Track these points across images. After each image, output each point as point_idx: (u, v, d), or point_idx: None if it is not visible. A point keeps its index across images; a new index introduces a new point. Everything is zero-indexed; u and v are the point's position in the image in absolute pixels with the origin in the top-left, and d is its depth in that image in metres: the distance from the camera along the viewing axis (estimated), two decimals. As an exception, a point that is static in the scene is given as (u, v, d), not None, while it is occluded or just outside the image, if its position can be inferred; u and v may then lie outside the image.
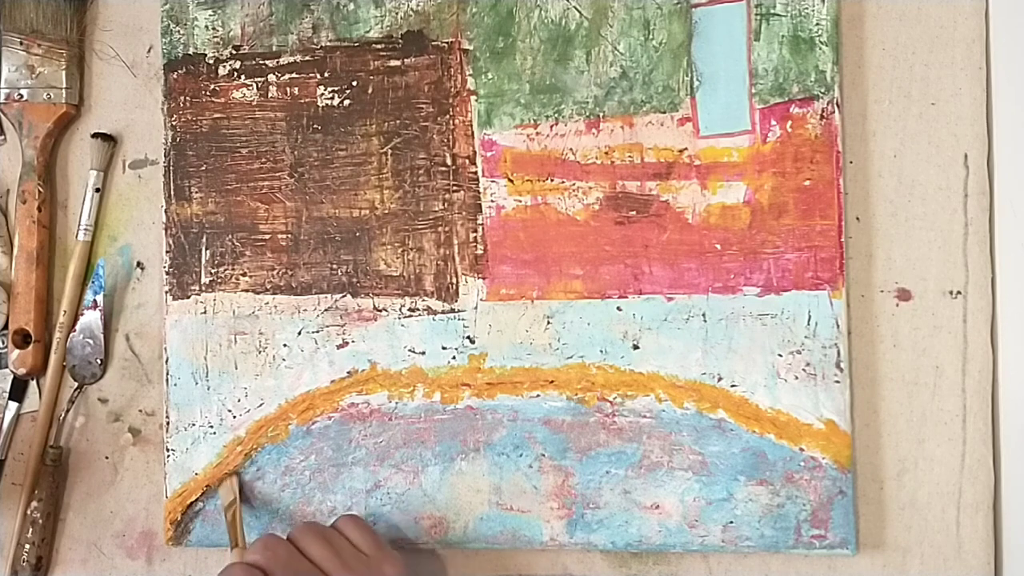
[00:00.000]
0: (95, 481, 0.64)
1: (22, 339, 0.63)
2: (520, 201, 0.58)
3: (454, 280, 0.58)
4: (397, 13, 0.59)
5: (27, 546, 0.62)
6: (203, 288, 0.61)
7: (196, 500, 0.60)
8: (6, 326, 0.64)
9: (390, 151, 0.59)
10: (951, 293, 0.55)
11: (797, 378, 0.55)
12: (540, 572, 0.59)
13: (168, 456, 0.61)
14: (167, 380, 0.61)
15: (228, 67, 0.61)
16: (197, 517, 0.60)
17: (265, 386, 0.60)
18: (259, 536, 0.54)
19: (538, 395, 0.57)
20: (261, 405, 0.60)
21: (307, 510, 0.59)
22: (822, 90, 0.55)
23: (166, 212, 0.61)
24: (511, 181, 0.58)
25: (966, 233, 0.55)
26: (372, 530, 0.56)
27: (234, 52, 0.61)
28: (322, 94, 0.60)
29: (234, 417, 0.60)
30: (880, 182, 0.56)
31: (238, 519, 0.57)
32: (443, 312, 0.58)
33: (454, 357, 0.58)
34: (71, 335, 0.63)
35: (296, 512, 0.59)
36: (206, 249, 0.61)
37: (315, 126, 0.60)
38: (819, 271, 0.55)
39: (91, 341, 0.63)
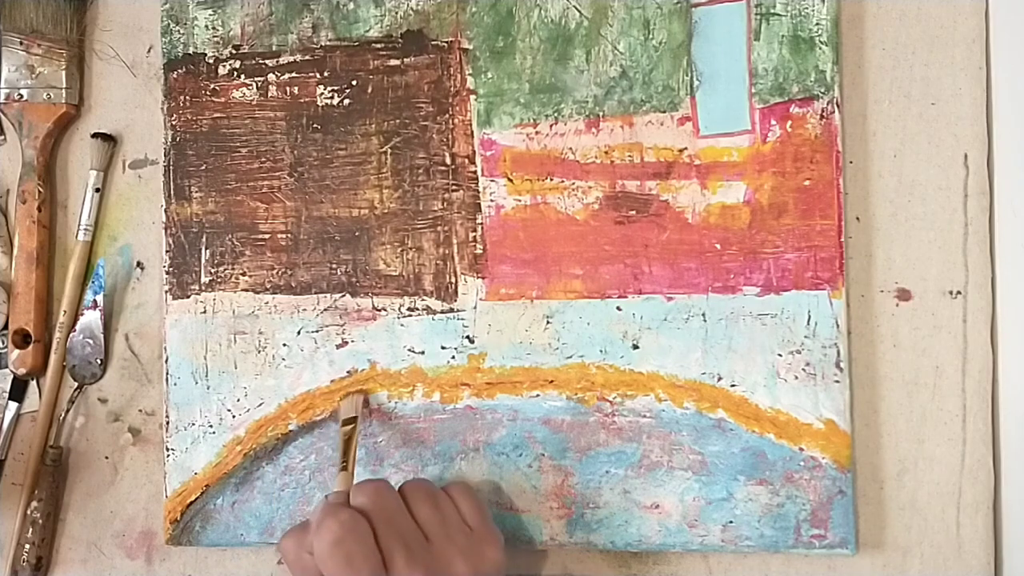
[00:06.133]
0: (95, 481, 0.64)
1: (22, 339, 0.63)
2: (520, 201, 0.58)
3: (453, 280, 0.58)
4: (397, 13, 0.59)
5: (27, 546, 0.62)
6: (203, 288, 0.61)
7: (196, 499, 0.60)
8: (6, 326, 0.64)
9: (390, 151, 0.59)
10: (951, 293, 0.55)
11: (797, 378, 0.55)
12: (540, 572, 0.59)
13: (168, 456, 0.61)
14: (167, 380, 0.61)
15: (228, 67, 0.61)
16: (197, 516, 0.60)
17: (265, 385, 0.60)
18: (371, 480, 0.52)
19: (538, 395, 0.57)
20: (261, 405, 0.60)
21: (307, 510, 0.59)
22: (822, 90, 0.55)
23: (166, 212, 0.61)
24: (511, 180, 0.58)
25: (966, 233, 0.55)
26: (481, 503, 0.54)
27: (234, 52, 0.61)
28: (322, 94, 0.60)
29: (234, 417, 0.60)
30: (880, 182, 0.56)
31: (354, 440, 0.55)
32: (442, 312, 0.58)
33: (453, 357, 0.58)
34: (71, 335, 0.63)
35: (296, 512, 0.59)
36: (206, 249, 0.61)
37: (315, 126, 0.60)
38: (819, 271, 0.55)
39: (91, 341, 0.63)
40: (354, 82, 0.60)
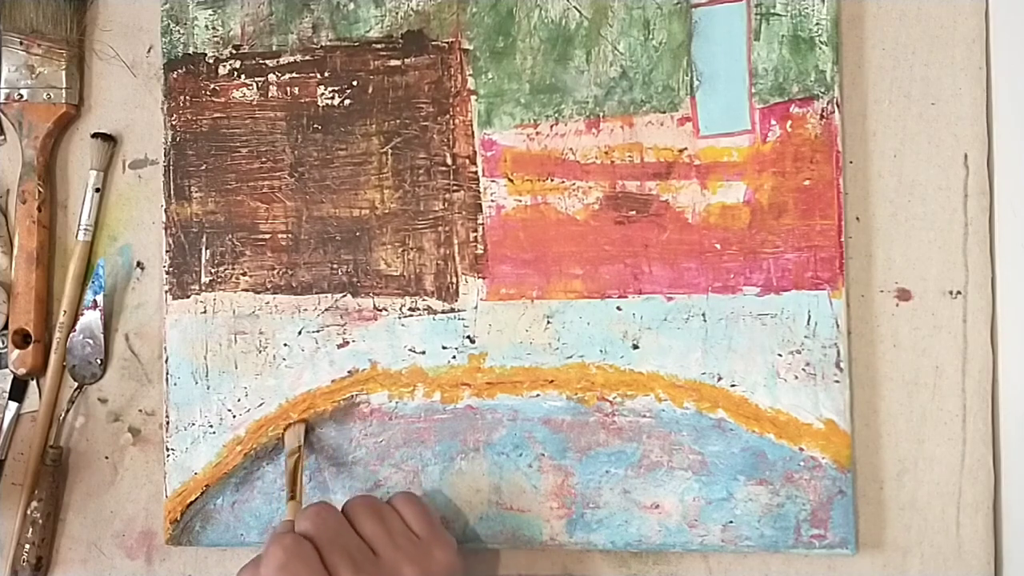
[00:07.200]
0: (95, 481, 0.64)
1: (22, 339, 0.63)
2: (520, 201, 0.58)
3: (454, 280, 0.58)
4: (397, 13, 0.59)
5: (27, 546, 0.62)
6: (203, 288, 0.61)
7: (196, 499, 0.60)
8: (6, 326, 0.64)
9: (390, 151, 0.59)
10: (951, 293, 0.55)
11: (797, 378, 0.55)
12: (540, 572, 0.59)
13: (168, 456, 0.60)
14: (167, 380, 0.61)
15: (228, 67, 0.61)
16: (197, 517, 0.60)
17: (265, 386, 0.60)
18: (312, 504, 0.53)
19: (538, 395, 0.57)
20: (261, 405, 0.60)
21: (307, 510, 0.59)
22: (822, 90, 0.55)
23: (166, 212, 0.61)
24: (511, 181, 0.58)
25: (966, 233, 0.55)
26: (427, 510, 0.55)
27: (234, 52, 0.61)
28: (322, 94, 0.60)
29: (234, 417, 0.60)
30: (880, 182, 0.56)
31: (299, 470, 0.56)
32: (443, 312, 0.58)
33: (454, 357, 0.58)
34: (71, 335, 0.63)
35: (296, 512, 0.59)
36: (206, 249, 0.61)
37: (315, 126, 0.60)
38: (819, 271, 0.55)
39: (91, 341, 0.63)
40: (354, 82, 0.60)
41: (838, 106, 0.55)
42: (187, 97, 0.61)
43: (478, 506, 0.58)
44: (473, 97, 0.59)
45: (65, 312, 0.63)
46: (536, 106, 0.58)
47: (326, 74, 0.60)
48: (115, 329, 0.64)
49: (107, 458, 0.64)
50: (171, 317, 0.61)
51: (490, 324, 0.58)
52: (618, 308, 0.57)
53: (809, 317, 0.55)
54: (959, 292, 0.55)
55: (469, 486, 0.58)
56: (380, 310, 0.59)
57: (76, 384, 0.63)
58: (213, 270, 0.61)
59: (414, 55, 0.59)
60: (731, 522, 0.55)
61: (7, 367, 0.64)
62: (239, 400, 0.60)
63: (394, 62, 0.59)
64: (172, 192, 0.61)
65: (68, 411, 0.63)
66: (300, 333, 0.60)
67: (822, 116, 0.55)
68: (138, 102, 0.64)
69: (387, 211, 0.59)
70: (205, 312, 0.61)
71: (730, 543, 0.55)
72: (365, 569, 0.50)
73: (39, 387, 0.64)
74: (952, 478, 0.55)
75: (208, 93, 0.61)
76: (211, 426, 0.60)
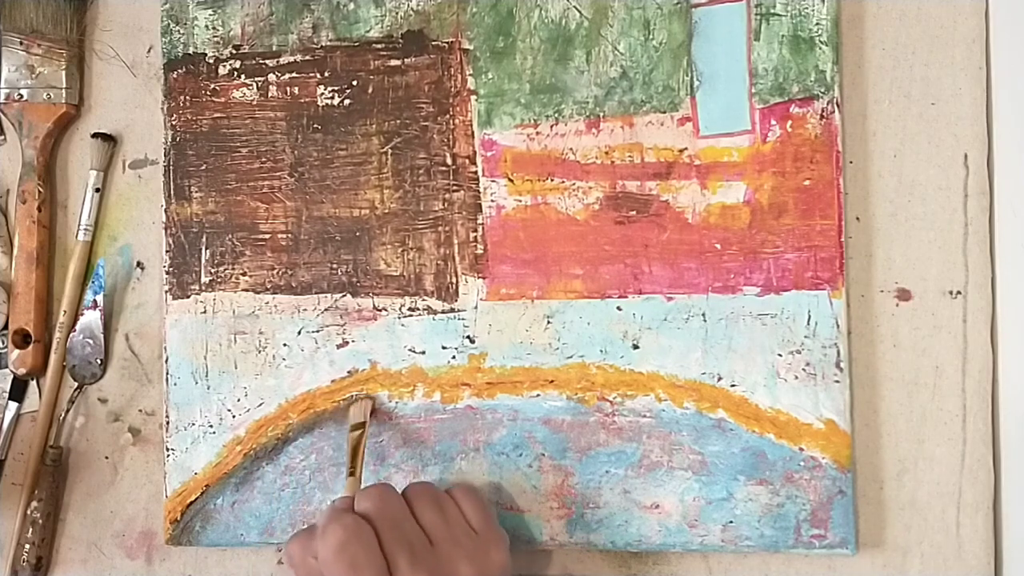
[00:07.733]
0: (95, 481, 0.64)
1: (22, 339, 0.63)
2: (520, 201, 0.58)
3: (454, 280, 0.58)
4: (397, 13, 0.59)
5: (27, 546, 0.62)
6: (203, 288, 0.61)
7: (196, 499, 0.60)
8: (6, 326, 0.64)
9: (390, 151, 0.59)
10: (951, 293, 0.55)
11: (797, 378, 0.55)
12: (540, 572, 0.59)
13: (168, 456, 0.60)
14: (167, 380, 0.61)
15: (228, 67, 0.61)
16: (197, 517, 0.60)
17: (265, 385, 0.60)
18: (374, 484, 0.53)
19: (538, 395, 0.57)
20: (261, 405, 0.60)
21: (307, 509, 0.59)
22: (822, 90, 0.55)
23: (166, 212, 0.61)
24: (511, 181, 0.58)
25: (966, 233, 0.55)
26: (486, 506, 0.55)
27: (234, 52, 0.61)
28: (322, 94, 0.60)
29: (234, 417, 0.60)
30: (880, 182, 0.56)
31: (362, 445, 0.56)
32: (443, 312, 0.58)
33: (454, 357, 0.58)
34: (71, 335, 0.63)
35: (296, 512, 0.59)
36: (206, 249, 0.61)
37: (315, 126, 0.60)
38: (819, 271, 0.55)
39: (91, 341, 0.63)
40: (354, 82, 0.60)
41: (838, 106, 0.55)
42: (187, 97, 0.61)
43: (478, 506, 0.58)
44: (473, 97, 0.59)
45: (65, 312, 0.63)
46: (536, 106, 0.58)
47: (326, 74, 0.60)
48: (115, 329, 0.64)
49: (107, 458, 0.64)
50: (171, 317, 0.61)
51: (490, 324, 0.58)
52: (618, 308, 0.57)
53: (809, 317, 0.55)
54: (959, 292, 0.55)
55: (469, 486, 0.58)
56: (380, 310, 0.59)
57: (76, 384, 0.63)
58: (213, 270, 0.61)
59: (414, 55, 0.59)
60: (731, 522, 0.55)
61: (7, 367, 0.64)
62: (239, 400, 0.60)
63: (394, 62, 0.59)
64: (172, 192, 0.61)
65: (68, 411, 0.63)
66: (300, 333, 0.60)
67: (822, 116, 0.55)
68: (138, 102, 0.64)
69: (387, 211, 0.59)
70: (205, 312, 0.61)
71: (730, 543, 0.55)
72: (422, 559, 0.50)
73: (39, 387, 0.64)
74: (952, 478, 0.55)
75: (208, 93, 0.61)
76: (211, 426, 0.60)
